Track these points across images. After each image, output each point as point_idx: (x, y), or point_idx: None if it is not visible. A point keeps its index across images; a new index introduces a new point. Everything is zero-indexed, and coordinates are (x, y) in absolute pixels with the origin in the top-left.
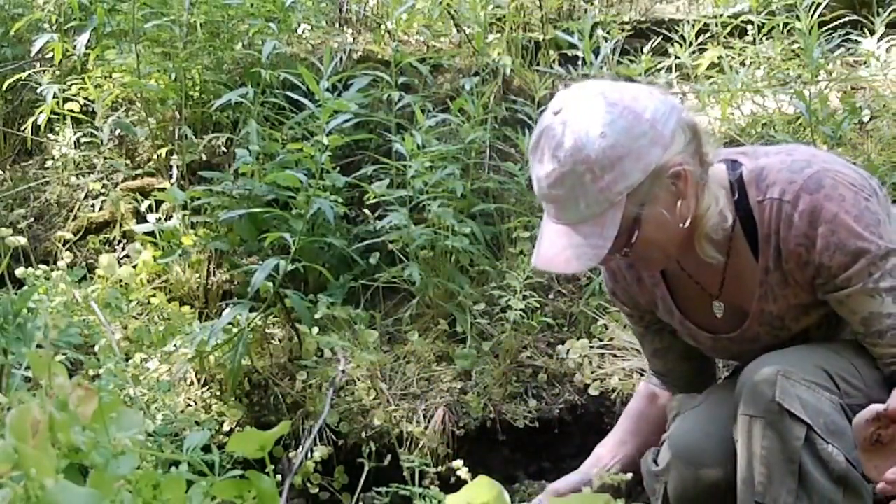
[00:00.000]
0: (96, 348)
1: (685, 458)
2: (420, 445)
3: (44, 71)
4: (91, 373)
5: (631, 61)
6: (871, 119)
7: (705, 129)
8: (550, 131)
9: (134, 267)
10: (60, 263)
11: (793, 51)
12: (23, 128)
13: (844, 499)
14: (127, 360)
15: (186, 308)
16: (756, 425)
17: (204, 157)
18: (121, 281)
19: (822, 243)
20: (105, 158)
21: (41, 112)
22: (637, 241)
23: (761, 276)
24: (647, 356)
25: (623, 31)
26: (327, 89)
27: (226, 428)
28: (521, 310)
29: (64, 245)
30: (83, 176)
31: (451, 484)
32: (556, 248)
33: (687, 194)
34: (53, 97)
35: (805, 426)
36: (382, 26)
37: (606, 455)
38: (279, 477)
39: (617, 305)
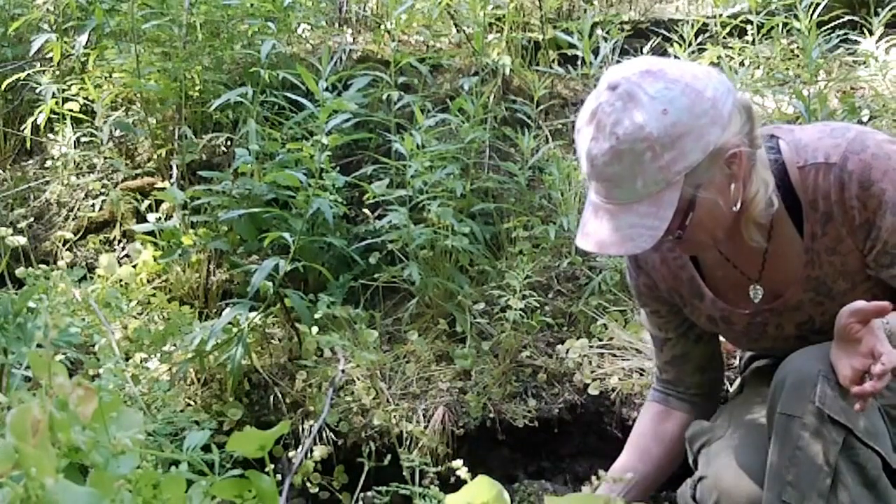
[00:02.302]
0: (96, 348)
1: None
2: (420, 445)
3: (43, 71)
4: (91, 372)
5: None
6: (870, 119)
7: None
8: (607, 107)
9: (134, 267)
10: (60, 263)
11: (792, 51)
12: (22, 128)
13: None
14: (127, 359)
15: (186, 308)
16: (793, 425)
17: (204, 157)
18: (121, 281)
19: (874, 203)
20: (105, 158)
21: (41, 112)
22: (690, 223)
23: (807, 243)
24: (660, 363)
25: (622, 31)
26: (326, 89)
27: (226, 428)
28: (520, 309)
29: (64, 245)
30: (83, 176)
31: (450, 483)
32: (607, 229)
33: (740, 177)
34: (53, 97)
35: (844, 430)
36: (382, 26)
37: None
38: (279, 476)
39: (640, 304)
